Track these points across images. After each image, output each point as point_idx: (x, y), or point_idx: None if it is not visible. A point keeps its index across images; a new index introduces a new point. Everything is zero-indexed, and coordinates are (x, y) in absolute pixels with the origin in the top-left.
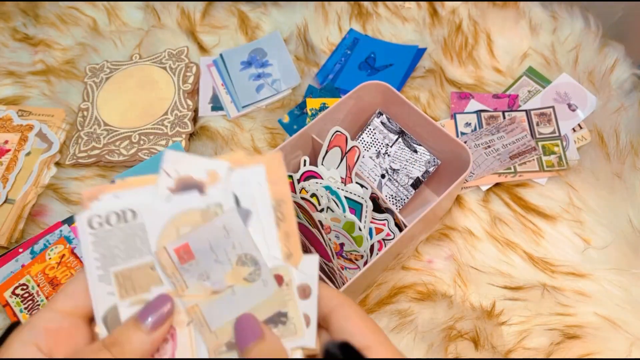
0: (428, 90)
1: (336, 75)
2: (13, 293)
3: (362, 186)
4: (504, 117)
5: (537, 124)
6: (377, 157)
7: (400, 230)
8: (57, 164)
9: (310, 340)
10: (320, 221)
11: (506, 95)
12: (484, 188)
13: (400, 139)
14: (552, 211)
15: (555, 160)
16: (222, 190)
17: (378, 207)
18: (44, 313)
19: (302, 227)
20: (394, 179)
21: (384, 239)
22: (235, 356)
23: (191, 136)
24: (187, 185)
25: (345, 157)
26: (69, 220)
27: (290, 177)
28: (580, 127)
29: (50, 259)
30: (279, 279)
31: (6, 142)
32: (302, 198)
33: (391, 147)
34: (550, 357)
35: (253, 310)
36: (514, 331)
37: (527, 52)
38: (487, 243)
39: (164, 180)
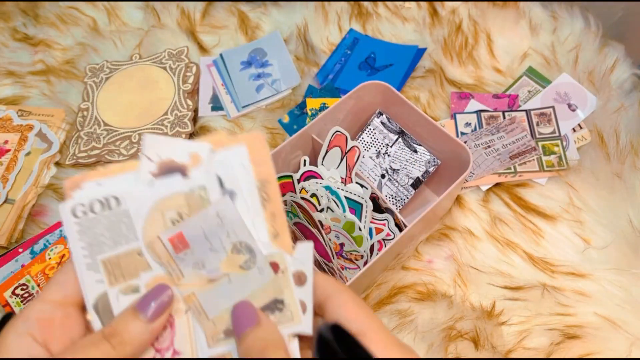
0: (428, 90)
1: (336, 75)
2: (13, 293)
3: (362, 186)
4: (504, 117)
5: (537, 124)
6: (377, 157)
7: (400, 230)
8: (57, 164)
9: (306, 326)
10: (320, 221)
11: (506, 95)
12: (484, 188)
13: (400, 139)
14: (552, 211)
15: (555, 160)
16: (205, 173)
17: (378, 207)
18: (36, 304)
19: (302, 227)
20: (394, 179)
21: (384, 239)
22: (233, 343)
23: (191, 136)
24: (169, 169)
25: (345, 157)
26: None
27: (290, 177)
28: (580, 127)
29: (50, 259)
30: (275, 267)
31: (6, 142)
32: (302, 198)
33: (391, 147)
34: (550, 357)
35: (249, 297)
36: (514, 331)
37: (527, 52)
38: (487, 243)
39: (145, 165)
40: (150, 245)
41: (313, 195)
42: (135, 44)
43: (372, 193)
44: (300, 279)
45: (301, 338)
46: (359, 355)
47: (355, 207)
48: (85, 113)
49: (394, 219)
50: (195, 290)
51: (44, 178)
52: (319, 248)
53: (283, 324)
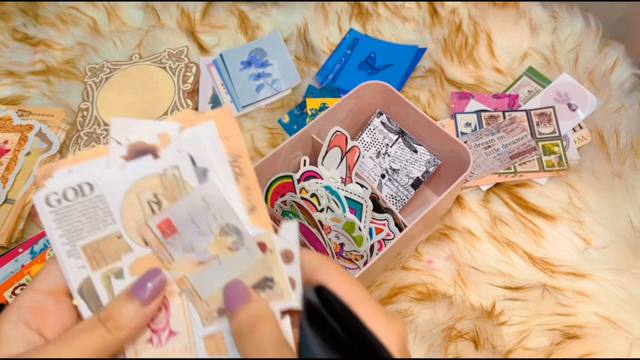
0: (428, 90)
1: (336, 75)
2: (13, 293)
3: (362, 186)
4: (504, 117)
5: (537, 124)
6: (377, 157)
7: (400, 230)
8: None
9: (296, 301)
10: (320, 221)
11: (506, 95)
12: (484, 188)
13: (400, 139)
14: (552, 211)
15: (556, 160)
16: (176, 152)
17: (378, 207)
18: (27, 294)
19: (302, 227)
20: (394, 179)
21: (384, 239)
22: (227, 322)
23: None
24: (139, 151)
25: (345, 157)
26: None
27: (290, 177)
28: (581, 127)
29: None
30: (262, 247)
31: (6, 142)
32: (302, 198)
33: (391, 147)
34: (550, 357)
35: (240, 277)
36: (514, 331)
37: (527, 52)
38: (487, 243)
39: (115, 149)
40: (132, 229)
41: (313, 195)
42: (135, 44)
43: (372, 193)
44: (287, 257)
45: (294, 315)
46: (346, 318)
47: (355, 207)
48: (85, 113)
49: (394, 219)
50: (187, 273)
51: None
52: (319, 248)
53: (274, 300)
